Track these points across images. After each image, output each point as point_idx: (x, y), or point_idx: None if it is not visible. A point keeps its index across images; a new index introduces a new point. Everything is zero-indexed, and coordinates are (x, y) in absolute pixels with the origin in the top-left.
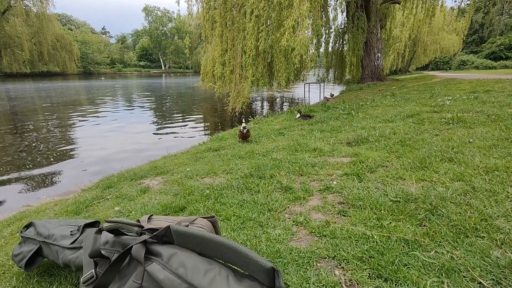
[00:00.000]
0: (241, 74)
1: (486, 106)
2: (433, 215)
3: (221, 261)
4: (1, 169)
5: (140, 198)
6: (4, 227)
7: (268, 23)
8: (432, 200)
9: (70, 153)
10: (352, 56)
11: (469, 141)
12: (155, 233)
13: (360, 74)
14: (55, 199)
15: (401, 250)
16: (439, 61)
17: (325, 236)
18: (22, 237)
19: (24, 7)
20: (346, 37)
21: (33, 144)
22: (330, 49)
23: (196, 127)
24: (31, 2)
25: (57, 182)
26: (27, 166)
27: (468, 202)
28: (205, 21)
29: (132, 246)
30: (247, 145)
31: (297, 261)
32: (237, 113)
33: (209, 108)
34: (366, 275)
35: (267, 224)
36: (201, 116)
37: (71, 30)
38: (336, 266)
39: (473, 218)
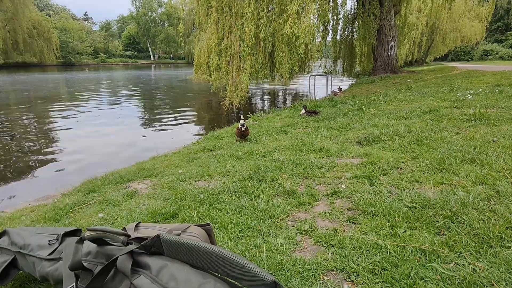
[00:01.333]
0: (239, 66)
1: None
2: (453, 223)
3: (216, 274)
4: None
5: (126, 203)
6: None
7: (270, 8)
8: (452, 206)
9: (49, 153)
10: (362, 45)
11: (493, 140)
12: (143, 242)
13: (372, 66)
14: (32, 205)
15: (417, 262)
16: (459, 51)
17: (333, 246)
18: None
19: None
20: (356, 24)
21: (8, 143)
22: (338, 37)
23: (189, 125)
24: None
25: (34, 185)
26: (0, 167)
27: (492, 208)
28: (199, 6)
29: (117, 258)
30: (245, 145)
31: (301, 273)
32: (234, 109)
33: (203, 103)
34: None
35: (268, 232)
36: (195, 112)
37: (50, 16)
38: (345, 279)
39: (497, 226)
